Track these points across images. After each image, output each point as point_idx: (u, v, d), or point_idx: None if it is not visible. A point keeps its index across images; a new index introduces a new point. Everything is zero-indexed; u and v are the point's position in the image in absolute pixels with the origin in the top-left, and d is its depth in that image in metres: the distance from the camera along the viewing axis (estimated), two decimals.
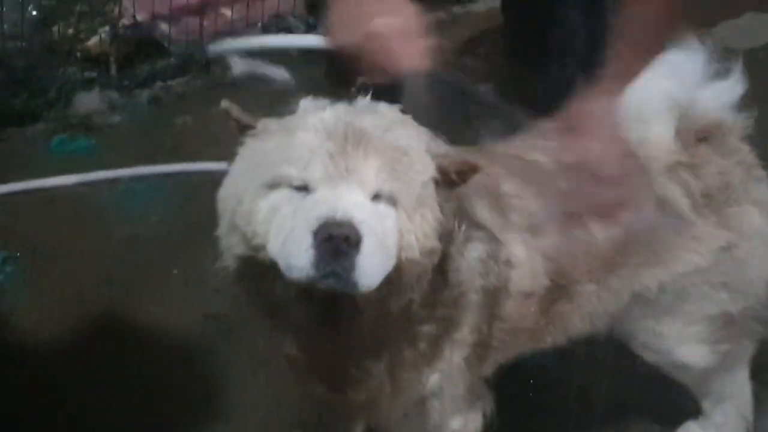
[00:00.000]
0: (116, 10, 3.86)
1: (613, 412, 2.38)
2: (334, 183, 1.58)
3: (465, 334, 1.88)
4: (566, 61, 2.48)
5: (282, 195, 1.61)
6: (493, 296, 1.89)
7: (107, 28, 3.81)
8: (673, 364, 2.19)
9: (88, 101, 3.62)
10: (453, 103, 1.97)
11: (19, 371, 2.61)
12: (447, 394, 1.94)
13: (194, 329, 2.76)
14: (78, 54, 3.77)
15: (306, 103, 1.72)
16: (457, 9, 4.31)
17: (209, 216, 1.77)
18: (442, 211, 1.68)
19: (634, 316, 2.12)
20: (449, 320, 1.84)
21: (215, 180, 1.75)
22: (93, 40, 3.80)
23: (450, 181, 1.69)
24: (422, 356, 1.85)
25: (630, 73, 1.95)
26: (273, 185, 1.62)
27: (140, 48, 3.84)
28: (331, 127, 1.63)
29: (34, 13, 3.82)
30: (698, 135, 2.07)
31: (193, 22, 3.90)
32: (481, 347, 1.93)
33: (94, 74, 3.73)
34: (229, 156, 1.74)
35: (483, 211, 1.87)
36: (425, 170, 1.66)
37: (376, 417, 1.98)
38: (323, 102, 1.71)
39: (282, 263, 1.58)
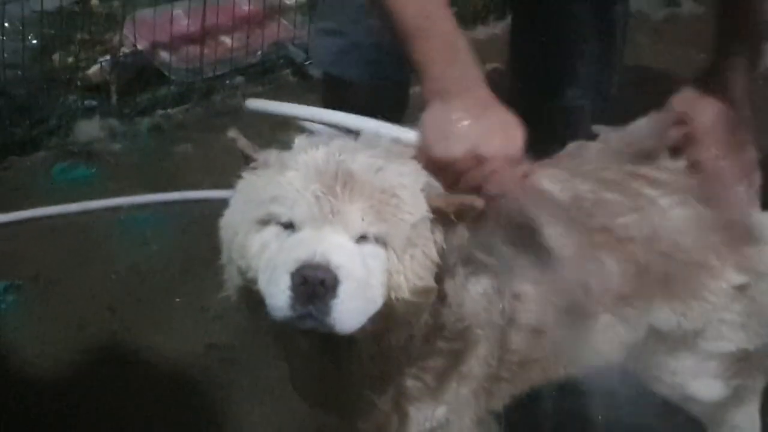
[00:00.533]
0: (116, 39, 3.88)
1: None
2: (319, 224, 1.57)
3: (472, 366, 1.87)
4: (576, 96, 2.44)
5: (272, 232, 1.61)
6: (501, 329, 1.88)
7: (108, 56, 3.83)
8: (686, 397, 2.17)
9: (88, 129, 3.63)
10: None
11: (20, 399, 2.61)
12: (454, 426, 1.93)
13: (196, 358, 2.76)
14: (78, 82, 3.79)
15: (301, 141, 1.71)
16: None
17: (210, 244, 1.77)
18: (440, 248, 1.67)
19: (648, 350, 2.10)
20: (455, 353, 1.83)
21: (216, 208, 1.75)
22: (93, 69, 3.82)
23: (448, 220, 1.68)
24: (428, 388, 1.84)
25: None
26: (264, 221, 1.62)
27: (141, 76, 3.85)
28: (321, 167, 1.61)
29: (35, 41, 3.84)
30: None
31: (193, 50, 3.92)
32: (491, 379, 1.92)
33: (94, 102, 3.74)
34: (229, 184, 1.75)
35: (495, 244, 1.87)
36: (416, 211, 1.64)
37: None
38: (319, 139, 1.71)
39: (266, 300, 1.57)
